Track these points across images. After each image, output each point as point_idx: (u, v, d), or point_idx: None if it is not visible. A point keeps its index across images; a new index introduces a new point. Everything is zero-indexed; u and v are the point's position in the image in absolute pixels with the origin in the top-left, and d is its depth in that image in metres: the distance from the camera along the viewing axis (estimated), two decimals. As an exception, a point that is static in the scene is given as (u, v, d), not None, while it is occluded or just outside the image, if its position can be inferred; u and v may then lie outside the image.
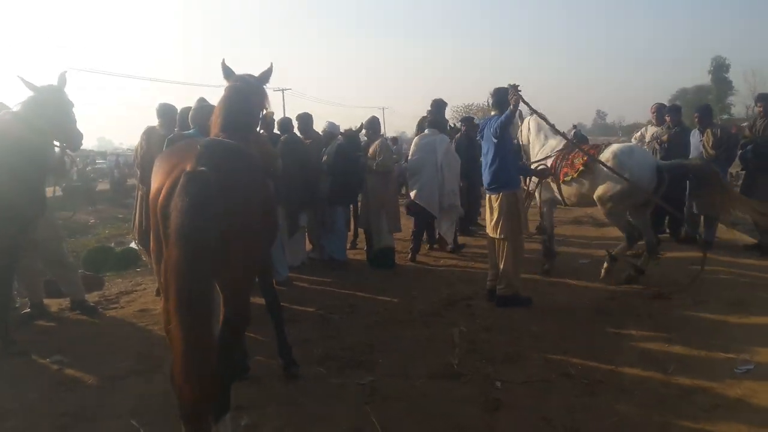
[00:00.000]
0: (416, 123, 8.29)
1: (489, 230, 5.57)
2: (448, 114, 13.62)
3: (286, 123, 7.65)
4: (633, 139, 8.82)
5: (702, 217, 7.96)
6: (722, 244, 8.00)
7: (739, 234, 8.76)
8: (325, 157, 7.41)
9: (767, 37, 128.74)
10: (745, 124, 9.17)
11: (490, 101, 5.48)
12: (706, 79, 61.71)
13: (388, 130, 48.85)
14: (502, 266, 5.44)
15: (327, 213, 7.45)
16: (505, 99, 5.30)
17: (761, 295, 5.48)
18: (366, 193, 7.46)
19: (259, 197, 2.83)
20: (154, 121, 6.31)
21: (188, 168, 2.42)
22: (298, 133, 7.82)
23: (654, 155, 7.99)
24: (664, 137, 8.06)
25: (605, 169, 5.88)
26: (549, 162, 6.50)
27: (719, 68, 59.71)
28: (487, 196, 5.54)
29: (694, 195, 7.31)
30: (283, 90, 53.36)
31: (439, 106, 8.45)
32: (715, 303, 5.33)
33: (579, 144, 6.99)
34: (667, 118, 8.24)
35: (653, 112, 8.70)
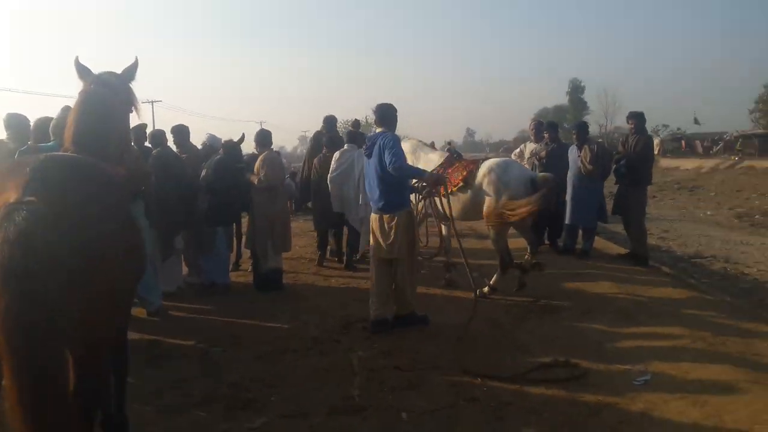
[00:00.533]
0: (297, 137, 8.19)
1: (377, 252, 5.25)
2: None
3: (158, 136, 6.98)
4: (513, 155, 9.09)
5: (580, 229, 8.31)
6: (599, 254, 8.42)
7: (614, 245, 9.35)
8: (203, 173, 6.83)
9: (617, 61, 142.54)
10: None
11: (375, 117, 5.29)
12: (564, 99, 66.94)
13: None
14: (396, 287, 5.21)
15: (206, 234, 6.85)
16: (389, 115, 5.20)
17: (643, 304, 5.71)
18: (252, 212, 6.96)
19: (117, 229, 2.25)
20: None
21: (12, 199, 1.86)
22: (174, 147, 7.20)
23: (534, 171, 8.27)
24: (543, 153, 8.35)
25: (484, 184, 5.98)
26: None
27: (575, 89, 65.05)
28: (376, 217, 5.24)
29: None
30: (152, 102, 50.54)
31: (331, 122, 8.26)
32: (601, 314, 5.46)
33: (460, 158, 7.05)
34: (546, 135, 8.56)
35: (532, 129, 9.01)
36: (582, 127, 8.36)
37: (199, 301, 6.55)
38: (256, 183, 6.67)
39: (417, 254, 5.30)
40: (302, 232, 11.73)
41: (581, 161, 7.85)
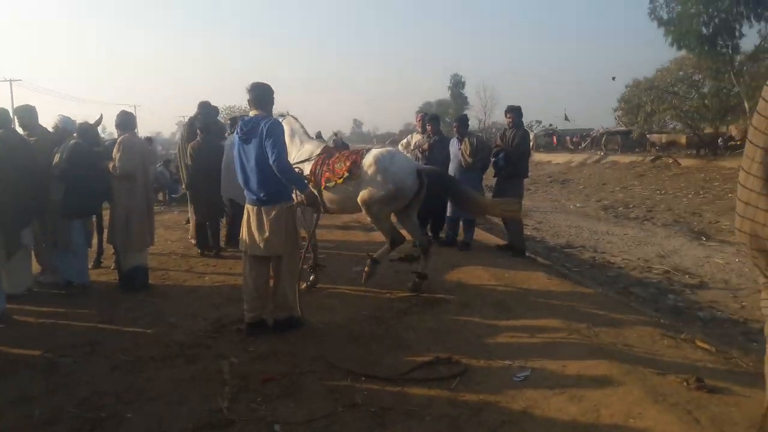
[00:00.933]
0: (175, 123, 7.62)
1: (252, 249, 4.83)
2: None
3: (1, 116, 6.09)
4: (400, 146, 9.02)
5: (461, 221, 8.39)
6: (479, 246, 8.56)
7: (494, 236, 9.57)
8: (56, 159, 6.06)
9: (495, 60, 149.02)
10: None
11: (249, 98, 4.86)
12: (446, 94, 68.92)
13: (143, 129, 44.97)
14: (276, 287, 4.86)
15: (60, 227, 6.10)
16: (266, 96, 4.82)
17: (521, 296, 5.79)
18: (112, 202, 6.30)
19: None
20: None
21: None
22: (20, 130, 6.35)
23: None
24: (425, 145, 8.34)
25: (370, 173, 5.80)
26: (307, 167, 6.20)
27: (457, 84, 67.17)
28: (252, 209, 4.83)
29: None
30: (11, 80, 45.87)
31: (206, 108, 8.14)
32: (481, 306, 5.46)
33: (336, 148, 6.85)
34: (428, 127, 8.55)
35: (419, 121, 8.99)
36: (462, 121, 8.42)
37: (51, 304, 5.82)
38: (111, 170, 6.05)
39: (299, 250, 4.98)
40: (175, 224, 11.00)
41: (462, 154, 7.90)
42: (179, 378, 3.97)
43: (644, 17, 28.53)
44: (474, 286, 6.18)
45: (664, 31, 26.86)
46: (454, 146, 8.16)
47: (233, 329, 4.96)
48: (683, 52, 28.27)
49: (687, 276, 8.23)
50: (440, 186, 6.16)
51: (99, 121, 6.64)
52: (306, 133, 6.51)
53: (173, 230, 10.58)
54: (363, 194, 5.83)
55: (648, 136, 35.11)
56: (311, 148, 6.40)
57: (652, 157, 28.96)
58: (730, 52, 25.55)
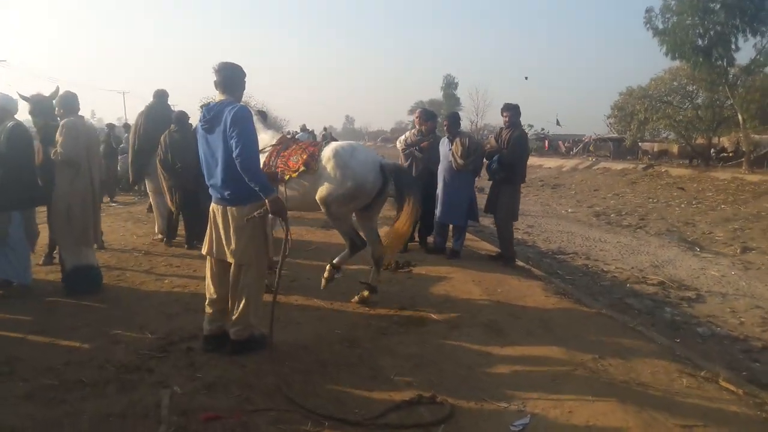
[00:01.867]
0: None
1: (216, 252, 4.19)
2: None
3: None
4: (398, 143, 8.34)
5: (451, 227, 7.75)
6: (469, 254, 7.92)
7: (485, 244, 8.93)
8: (-7, 143, 5.34)
9: (488, 61, 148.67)
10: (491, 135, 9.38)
11: (215, 80, 4.12)
12: (438, 95, 68.40)
13: (131, 115, 43.84)
14: (238, 301, 4.15)
15: (-4, 220, 5.37)
16: (235, 79, 4.10)
17: (515, 316, 5.14)
18: (55, 192, 5.58)
19: None
20: None
21: None
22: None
23: (412, 162, 7.63)
24: (424, 144, 7.69)
25: (328, 168, 5.20)
26: (261, 160, 5.54)
27: (449, 85, 66.71)
28: (218, 208, 4.15)
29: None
30: None
31: (162, 96, 8.40)
32: (470, 328, 4.81)
33: (295, 139, 6.20)
34: (423, 124, 7.90)
35: (417, 118, 8.28)
36: (453, 119, 7.71)
37: (-21, 308, 5.09)
38: (52, 156, 5.34)
39: (267, 258, 4.27)
40: (146, 218, 10.24)
41: (453, 155, 7.24)
42: (107, 412, 3.24)
43: (639, 26, 28.19)
44: (463, 302, 5.53)
45: (659, 40, 26.49)
46: (444, 146, 7.51)
47: (183, 347, 4.25)
48: (678, 62, 28.02)
49: (683, 288, 7.83)
50: (399, 185, 5.43)
51: (54, 94, 5.86)
52: (261, 120, 5.88)
53: (142, 224, 9.85)
54: (321, 191, 5.24)
55: (640, 144, 34.79)
56: (266, 138, 5.76)
57: (644, 165, 28.60)
58: (725, 64, 25.25)
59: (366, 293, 5.50)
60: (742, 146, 28.30)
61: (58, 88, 5.89)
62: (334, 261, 5.48)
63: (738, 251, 10.23)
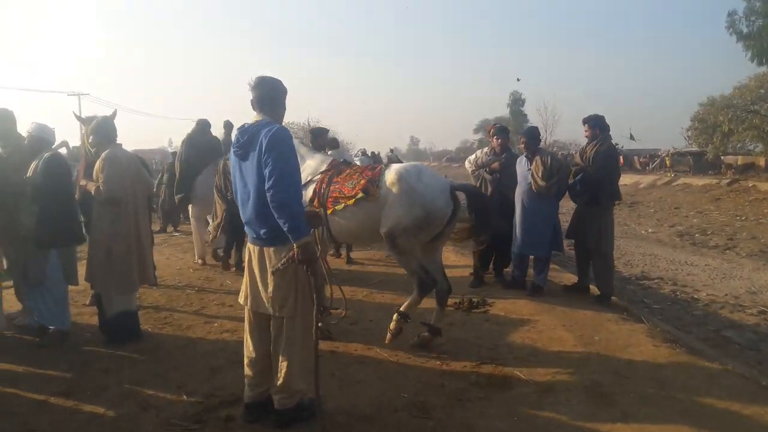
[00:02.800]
0: None
1: (253, 303, 3.50)
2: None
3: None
4: (467, 163, 7.54)
5: (532, 258, 6.84)
6: (554, 289, 6.93)
7: (570, 275, 7.94)
8: (30, 173, 4.91)
9: (556, 73, 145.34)
10: (572, 151, 8.34)
11: (252, 97, 3.43)
12: (505, 111, 66.94)
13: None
14: (282, 362, 3.41)
15: (32, 258, 4.91)
16: (275, 95, 3.44)
17: (622, 375, 4.17)
18: (90, 231, 5.08)
19: None
20: None
21: None
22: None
23: (482, 186, 6.82)
24: (495, 164, 6.86)
25: (392, 194, 4.55)
26: (310, 189, 4.96)
27: (516, 102, 65.17)
28: (254, 249, 3.48)
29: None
30: (80, 94, 46.87)
31: (202, 123, 8.67)
32: (568, 392, 3.90)
33: (347, 163, 5.52)
34: (495, 141, 7.05)
35: (492, 136, 7.44)
36: (532, 135, 6.75)
37: (10, 357, 4.60)
38: (93, 192, 4.82)
39: (314, 310, 3.55)
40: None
41: (532, 176, 6.34)
42: None
43: (720, 31, 26.39)
44: (555, 356, 4.62)
45: (743, 45, 24.71)
46: (522, 165, 6.63)
47: (222, 416, 3.57)
48: (765, 68, 26.04)
49: None
50: (473, 207, 4.88)
51: (113, 117, 5.38)
52: (305, 144, 5.40)
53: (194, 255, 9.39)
54: (385, 221, 4.57)
55: (722, 157, 32.47)
56: (314, 165, 5.18)
57: (729, 180, 26.49)
58: (820, 67, 23.22)
59: (427, 335, 4.75)
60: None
61: (115, 112, 5.41)
62: (401, 308, 4.75)
63: None
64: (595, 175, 6.32)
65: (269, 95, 3.41)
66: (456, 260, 8.55)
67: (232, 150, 3.43)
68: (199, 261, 8.58)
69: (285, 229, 3.15)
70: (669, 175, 32.82)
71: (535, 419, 3.50)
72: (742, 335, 6.07)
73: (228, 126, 12.45)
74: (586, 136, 6.64)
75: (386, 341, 4.78)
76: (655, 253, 11.78)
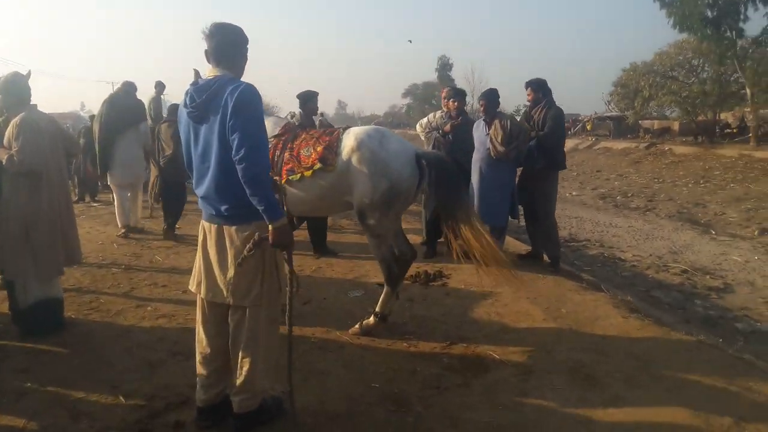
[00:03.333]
0: None
1: (209, 291, 2.97)
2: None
3: None
4: (418, 126, 7.14)
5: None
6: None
7: (521, 244, 7.81)
8: None
9: (483, 39, 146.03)
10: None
11: (207, 47, 2.84)
12: (433, 77, 66.67)
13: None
14: (242, 358, 2.93)
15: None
16: (236, 46, 2.87)
17: (602, 352, 3.96)
18: (4, 211, 4.32)
19: None
20: None
21: None
22: None
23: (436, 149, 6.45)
24: (447, 127, 6.50)
25: (352, 163, 4.10)
26: None
27: (444, 66, 65.02)
28: (211, 228, 2.95)
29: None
30: None
31: (128, 85, 8.53)
32: (551, 373, 3.65)
33: (301, 126, 5.02)
34: (451, 104, 6.67)
35: (446, 98, 7.05)
36: (491, 97, 6.31)
37: None
38: (4, 162, 4.08)
39: (280, 298, 3.09)
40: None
41: (491, 140, 6.03)
42: None
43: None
44: (527, 332, 4.37)
45: (666, 12, 25.34)
46: (479, 130, 6.30)
47: (170, 422, 3.08)
48: (683, 36, 26.96)
49: (708, 276, 7.02)
50: (441, 179, 4.24)
51: (27, 77, 4.53)
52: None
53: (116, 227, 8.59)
54: (359, 195, 4.13)
55: (640, 122, 33.70)
56: (269, 126, 4.58)
57: (647, 144, 27.56)
58: (734, 36, 24.22)
59: (372, 321, 4.31)
60: (747, 122, 27.43)
61: (30, 72, 4.55)
62: (377, 309, 4.32)
63: (756, 233, 9.51)
64: (551, 138, 6.15)
65: (229, 45, 2.85)
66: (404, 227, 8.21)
67: (184, 111, 2.87)
68: (123, 230, 8.08)
69: (261, 207, 2.67)
70: (590, 139, 33.77)
71: (521, 407, 3.22)
72: (669, 294, 6.27)
73: (160, 86, 11.54)
74: (530, 100, 6.50)
75: (351, 332, 4.35)
76: (580, 216, 12.09)
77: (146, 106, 10.32)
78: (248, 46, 2.94)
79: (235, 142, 2.64)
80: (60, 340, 4.26)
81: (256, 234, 2.77)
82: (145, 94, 8.94)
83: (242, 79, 2.84)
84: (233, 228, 2.86)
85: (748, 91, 25.20)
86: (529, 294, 5.24)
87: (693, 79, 29.50)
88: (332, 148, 4.22)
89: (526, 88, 6.43)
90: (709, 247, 8.64)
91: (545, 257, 6.54)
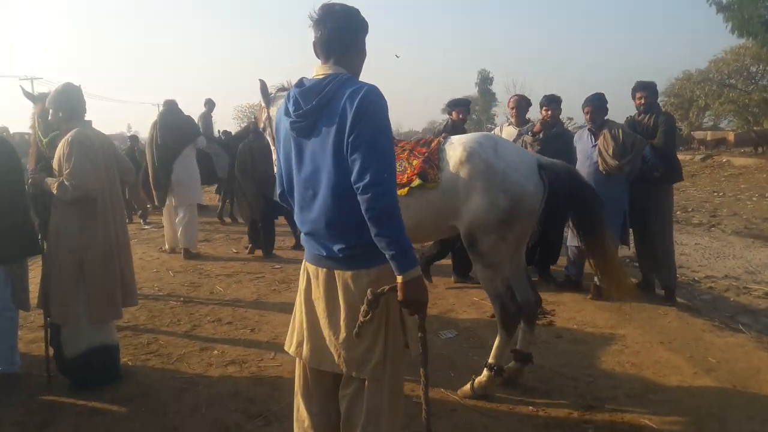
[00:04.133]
0: None
1: (314, 357, 2.27)
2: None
3: None
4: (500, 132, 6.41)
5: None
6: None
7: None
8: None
9: (523, 52, 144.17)
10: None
11: (315, 37, 2.13)
12: (473, 91, 65.65)
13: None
14: None
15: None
16: (353, 34, 2.16)
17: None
18: (47, 241, 3.71)
19: None
20: None
21: None
22: None
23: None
24: (537, 126, 5.77)
25: (464, 176, 3.35)
26: None
27: (484, 81, 63.86)
28: (313, 272, 2.27)
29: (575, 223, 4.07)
30: (32, 78, 42.68)
31: (169, 103, 8.12)
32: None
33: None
34: (544, 113, 5.91)
35: (513, 108, 6.29)
36: (598, 103, 5.51)
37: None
38: (54, 190, 3.47)
39: (403, 366, 2.36)
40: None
41: (600, 153, 5.21)
42: None
43: (699, 2, 25.88)
44: (680, 392, 3.52)
45: (723, 16, 24.11)
46: (583, 141, 5.51)
47: None
48: (740, 42, 25.65)
49: None
50: (577, 195, 3.56)
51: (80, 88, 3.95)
52: None
53: (174, 253, 8.04)
54: (470, 216, 3.36)
55: (692, 133, 32.22)
56: None
57: (702, 156, 26.20)
58: (796, 40, 22.88)
59: (485, 377, 3.48)
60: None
61: (80, 86, 3.96)
62: (490, 359, 3.51)
63: None
64: (666, 147, 5.40)
65: (344, 33, 2.15)
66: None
67: (285, 121, 2.19)
68: (167, 250, 8.07)
69: (389, 253, 1.97)
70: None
71: None
72: (757, 320, 5.45)
73: (210, 104, 11.11)
74: (641, 106, 5.62)
75: (461, 394, 3.57)
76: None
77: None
78: (366, 35, 2.25)
79: (357, 164, 1.95)
80: (116, 394, 3.62)
81: (374, 289, 2.06)
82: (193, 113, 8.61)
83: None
84: (349, 274, 2.15)
85: (810, 97, 23.82)
86: (659, 336, 4.39)
87: (752, 86, 28.03)
88: (433, 160, 3.49)
89: (637, 92, 5.64)
90: (790, 268, 7.69)
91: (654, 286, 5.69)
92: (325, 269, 2.21)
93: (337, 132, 2.00)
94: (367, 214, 1.95)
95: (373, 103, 1.99)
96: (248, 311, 5.34)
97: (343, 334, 2.16)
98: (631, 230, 5.66)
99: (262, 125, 4.45)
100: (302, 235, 2.30)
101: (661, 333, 4.48)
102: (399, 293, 2.02)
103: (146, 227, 10.86)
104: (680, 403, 3.35)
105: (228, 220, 11.09)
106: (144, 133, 10.05)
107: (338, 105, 2.01)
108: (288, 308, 5.32)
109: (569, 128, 6.69)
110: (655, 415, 3.20)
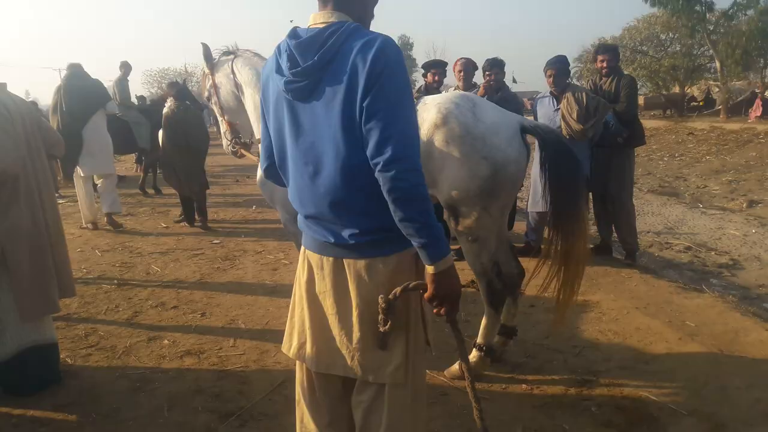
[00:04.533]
0: None
1: (320, 360, 1.92)
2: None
3: None
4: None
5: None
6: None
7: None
8: None
9: (442, 15, 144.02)
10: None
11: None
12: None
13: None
14: None
15: None
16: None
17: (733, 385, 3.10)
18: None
19: None
20: None
21: None
22: None
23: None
24: (481, 90, 5.59)
25: (439, 142, 3.03)
26: None
27: (404, 47, 63.52)
28: (315, 261, 1.89)
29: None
30: None
31: (74, 67, 7.58)
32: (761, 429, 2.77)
33: None
34: (487, 77, 5.73)
35: (460, 71, 6.00)
36: (562, 65, 5.36)
37: None
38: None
39: (425, 366, 2.06)
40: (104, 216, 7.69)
41: (563, 117, 5.06)
42: None
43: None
44: (671, 360, 3.44)
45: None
46: (545, 106, 5.36)
47: None
48: (653, 10, 26.73)
49: (713, 253, 6.45)
50: (560, 161, 3.24)
51: None
52: None
53: (104, 230, 7.34)
54: (448, 185, 3.05)
55: (606, 97, 33.52)
56: None
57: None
58: (704, 10, 24.08)
59: (475, 356, 3.26)
60: (713, 94, 27.55)
61: None
62: (478, 340, 3.29)
63: (744, 206, 9.06)
64: (629, 110, 5.37)
65: None
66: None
67: (278, 80, 1.77)
68: (89, 225, 7.41)
69: (418, 241, 1.64)
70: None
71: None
72: (682, 274, 5.67)
73: (126, 67, 10.17)
74: (603, 69, 5.53)
75: (448, 374, 3.33)
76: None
77: (112, 90, 9.22)
78: None
79: (375, 135, 1.59)
80: (58, 400, 3.12)
81: (412, 283, 1.74)
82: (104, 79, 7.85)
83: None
84: (362, 263, 1.80)
85: (717, 64, 25.21)
86: (632, 302, 4.35)
87: (662, 53, 29.44)
88: None
89: (599, 54, 5.58)
90: (703, 222, 8.09)
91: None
92: (332, 258, 1.85)
93: (347, 94, 1.62)
94: (390, 195, 1.61)
95: (391, 59, 1.61)
96: (194, 293, 4.87)
97: (357, 334, 1.82)
98: (590, 194, 5.61)
99: (206, 93, 3.97)
100: (300, 218, 1.93)
101: (634, 298, 4.45)
102: (429, 287, 1.69)
103: (61, 201, 9.90)
104: (675, 372, 3.26)
105: (152, 191, 10.36)
106: (45, 100, 9.16)
107: (347, 61, 1.62)
108: (238, 288, 4.97)
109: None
110: (654, 388, 3.09)
